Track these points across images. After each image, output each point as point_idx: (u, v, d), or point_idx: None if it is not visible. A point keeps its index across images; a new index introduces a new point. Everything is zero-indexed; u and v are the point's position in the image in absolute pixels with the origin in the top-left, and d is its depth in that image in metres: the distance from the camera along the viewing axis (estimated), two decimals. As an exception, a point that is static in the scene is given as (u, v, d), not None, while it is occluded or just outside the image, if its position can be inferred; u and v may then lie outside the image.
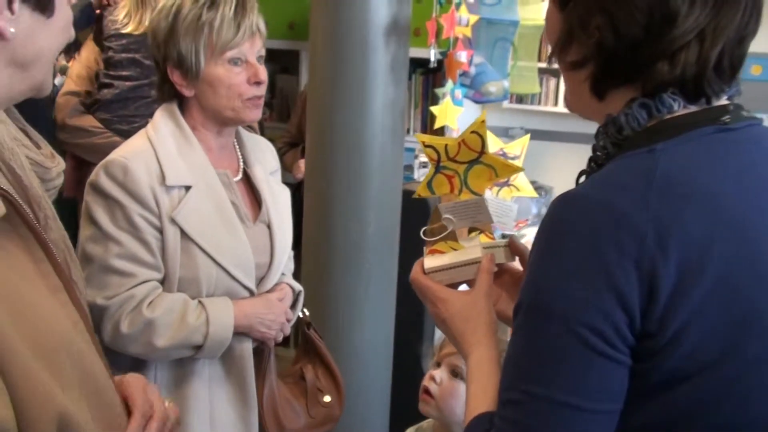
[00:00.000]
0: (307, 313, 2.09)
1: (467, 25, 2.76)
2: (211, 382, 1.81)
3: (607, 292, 0.86)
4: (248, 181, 1.91)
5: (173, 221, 1.71)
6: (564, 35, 0.99)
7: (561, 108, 5.03)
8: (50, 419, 0.91)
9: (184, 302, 1.72)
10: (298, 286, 2.01)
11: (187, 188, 1.73)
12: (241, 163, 1.90)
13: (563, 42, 0.99)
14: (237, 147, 1.92)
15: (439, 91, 2.86)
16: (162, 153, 1.72)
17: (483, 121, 1.17)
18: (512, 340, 0.95)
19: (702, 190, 0.89)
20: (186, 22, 1.72)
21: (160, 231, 1.71)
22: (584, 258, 0.87)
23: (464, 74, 2.85)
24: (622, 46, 0.94)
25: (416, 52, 3.07)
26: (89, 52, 2.99)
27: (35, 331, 0.90)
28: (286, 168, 3.51)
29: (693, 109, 0.96)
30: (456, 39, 2.74)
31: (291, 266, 2.04)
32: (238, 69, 1.76)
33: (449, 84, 2.76)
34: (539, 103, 5.21)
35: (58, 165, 1.09)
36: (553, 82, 5.34)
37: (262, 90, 1.80)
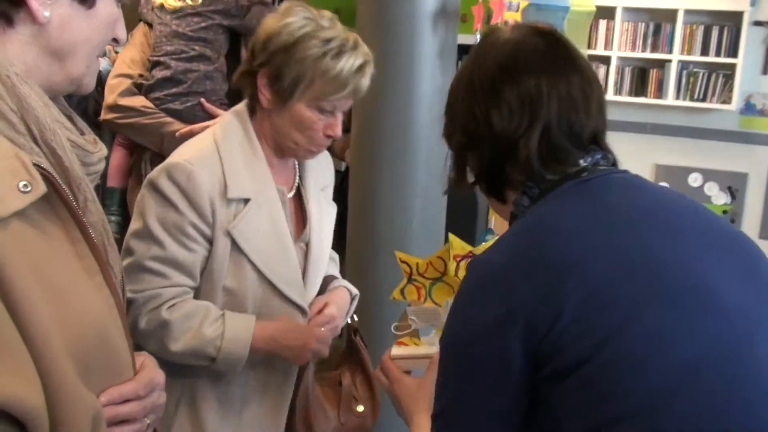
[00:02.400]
0: (356, 319, 2.05)
1: (517, 11, 2.72)
2: (246, 387, 1.79)
3: (498, 327, 1.08)
4: (299, 197, 1.88)
5: (228, 234, 1.68)
6: (473, 177, 1.30)
7: (610, 96, 4.95)
8: (87, 417, 0.90)
9: (205, 311, 1.69)
10: (354, 290, 1.99)
11: (246, 201, 1.70)
12: (297, 179, 1.87)
13: (476, 180, 1.30)
14: (296, 162, 1.88)
15: (486, 77, 2.81)
16: (227, 163, 1.69)
17: (447, 250, 1.52)
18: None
19: (560, 225, 1.14)
20: (306, 53, 1.65)
21: (210, 241, 1.69)
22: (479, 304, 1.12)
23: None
24: (486, 170, 1.27)
25: (462, 39, 3.00)
26: (141, 35, 2.99)
27: (69, 314, 0.90)
28: (336, 154, 3.49)
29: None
30: (505, 24, 2.70)
31: (335, 270, 2.03)
32: (323, 117, 1.72)
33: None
34: (588, 92, 5.13)
35: (100, 151, 1.08)
36: (602, 69, 5.26)
37: (329, 142, 1.78)
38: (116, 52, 3.06)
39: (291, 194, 1.83)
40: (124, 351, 1.01)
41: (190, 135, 2.58)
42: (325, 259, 1.93)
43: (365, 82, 1.72)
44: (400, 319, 1.57)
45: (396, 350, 1.52)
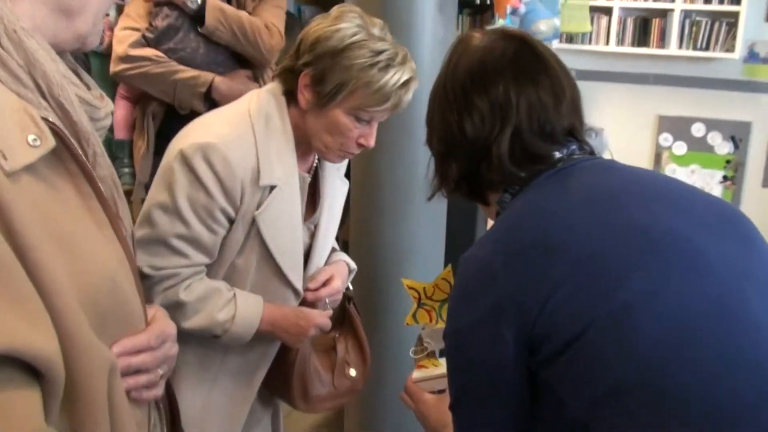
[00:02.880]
0: (351, 288, 2.10)
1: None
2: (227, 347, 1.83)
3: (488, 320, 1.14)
4: (314, 179, 1.88)
5: (252, 218, 1.69)
6: (453, 182, 1.35)
7: (612, 47, 4.91)
8: (103, 369, 0.92)
9: (218, 293, 1.72)
10: (353, 265, 2.03)
11: (272, 187, 1.70)
12: (315, 160, 1.87)
13: (457, 185, 1.35)
14: None
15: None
16: (262, 149, 1.67)
17: (449, 271, 1.58)
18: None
19: (538, 209, 1.19)
20: (353, 62, 1.63)
21: (232, 222, 1.70)
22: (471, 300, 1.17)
23: (514, 12, 2.78)
24: (464, 175, 1.32)
25: (460, -9, 2.98)
26: None
27: (81, 266, 0.90)
28: None
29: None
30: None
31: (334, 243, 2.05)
32: (359, 125, 1.71)
33: (499, 22, 2.70)
34: (590, 43, 5.08)
35: (107, 106, 1.08)
36: (604, 20, 5.21)
37: (359, 150, 1.77)
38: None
39: (309, 178, 1.84)
40: (135, 303, 1.02)
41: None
42: (331, 239, 1.96)
43: (408, 97, 1.71)
44: (417, 344, 1.65)
45: (417, 374, 1.60)
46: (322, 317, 1.88)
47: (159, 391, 1.10)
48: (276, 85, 1.75)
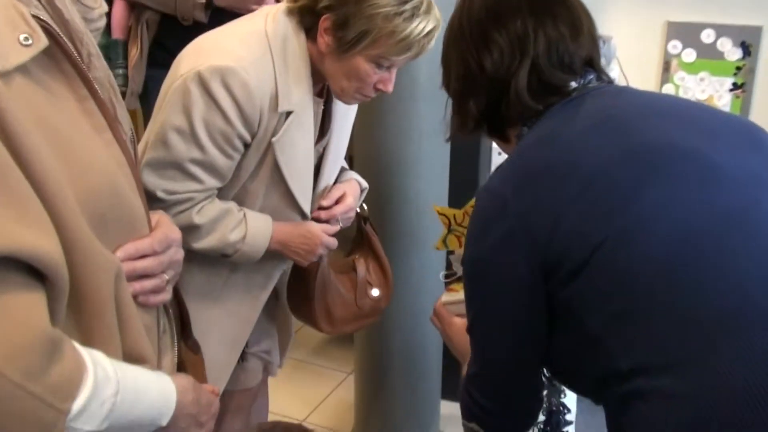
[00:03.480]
0: (365, 208, 2.09)
1: None
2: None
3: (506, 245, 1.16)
4: (326, 102, 1.85)
5: (269, 143, 1.67)
6: (473, 121, 1.34)
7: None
8: (109, 274, 0.92)
9: (229, 214, 1.72)
10: (364, 183, 2.02)
11: (289, 113, 1.68)
12: (327, 83, 1.83)
13: (477, 124, 1.35)
14: None
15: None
16: (280, 74, 1.64)
17: None
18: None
19: (548, 136, 1.20)
20: (378, 10, 1.58)
21: (247, 146, 1.68)
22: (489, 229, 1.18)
23: None
24: (485, 113, 1.32)
25: None
26: None
27: (79, 170, 0.89)
28: None
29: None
30: None
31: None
32: (378, 71, 1.68)
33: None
34: (599, -49, 4.95)
35: (100, 7, 1.05)
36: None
37: (376, 94, 1.74)
38: None
39: (322, 100, 1.82)
40: (138, 207, 1.02)
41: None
42: (340, 161, 1.96)
43: (431, 45, 1.66)
44: (447, 268, 1.70)
45: (446, 297, 1.63)
46: (328, 234, 1.88)
47: (166, 296, 1.10)
48: (291, 5, 1.69)
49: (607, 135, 1.17)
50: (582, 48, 1.28)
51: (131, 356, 0.98)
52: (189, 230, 1.68)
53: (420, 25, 1.61)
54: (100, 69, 0.98)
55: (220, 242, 1.72)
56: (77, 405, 0.83)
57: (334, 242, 1.91)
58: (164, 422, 0.99)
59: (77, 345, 0.86)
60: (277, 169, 1.72)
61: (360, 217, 2.08)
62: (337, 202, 1.90)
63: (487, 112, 1.32)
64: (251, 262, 1.80)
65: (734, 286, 1.03)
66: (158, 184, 1.64)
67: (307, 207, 1.83)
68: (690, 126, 1.18)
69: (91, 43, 0.97)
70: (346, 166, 2.05)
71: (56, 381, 0.81)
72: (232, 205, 1.74)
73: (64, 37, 0.90)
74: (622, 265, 1.08)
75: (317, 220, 1.87)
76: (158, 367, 1.11)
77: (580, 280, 1.11)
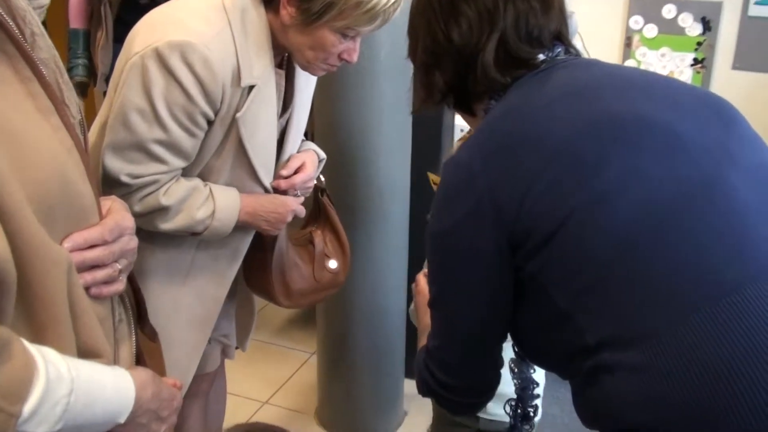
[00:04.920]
0: (323, 179, 2.06)
1: None
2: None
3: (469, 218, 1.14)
4: (288, 74, 1.80)
5: (232, 119, 1.63)
6: (439, 94, 1.31)
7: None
8: (60, 268, 0.87)
9: (196, 191, 1.68)
10: (322, 154, 1.99)
11: (251, 87, 1.63)
12: (287, 54, 1.78)
13: (443, 97, 1.32)
14: None
15: None
16: (241, 49, 1.59)
17: None
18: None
19: (515, 108, 1.19)
20: None
21: (211, 123, 1.63)
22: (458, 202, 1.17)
23: None
24: (451, 85, 1.29)
25: None
26: None
27: (25, 158, 0.84)
28: None
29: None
30: None
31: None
32: (344, 41, 1.63)
33: None
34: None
35: None
36: None
37: (341, 63, 1.70)
38: None
39: (283, 71, 1.77)
40: (87, 195, 0.96)
41: None
42: (301, 131, 1.91)
43: (396, 14, 1.62)
44: None
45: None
46: (296, 202, 1.87)
47: (120, 286, 1.05)
48: None
49: (574, 106, 1.16)
50: (551, 21, 1.26)
51: (86, 351, 0.94)
52: (157, 212, 1.64)
53: None
54: (44, 49, 0.92)
55: (188, 221, 1.68)
56: (28, 407, 0.79)
57: (302, 209, 1.90)
58: (122, 420, 0.95)
59: (27, 344, 0.82)
60: (241, 144, 1.68)
61: (317, 189, 2.05)
62: (296, 171, 1.87)
63: (453, 84, 1.29)
64: (221, 237, 1.77)
65: (697, 259, 1.04)
66: (122, 168, 1.58)
67: (268, 182, 1.80)
68: (657, 98, 1.17)
69: (35, 21, 0.91)
70: (304, 137, 2.01)
71: (4, 383, 0.77)
72: (197, 181, 1.70)
73: (5, 15, 0.85)
74: (587, 239, 1.07)
75: (276, 189, 1.84)
76: (115, 359, 1.07)
77: (546, 254, 1.10)
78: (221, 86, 1.57)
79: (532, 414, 1.60)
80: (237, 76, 1.59)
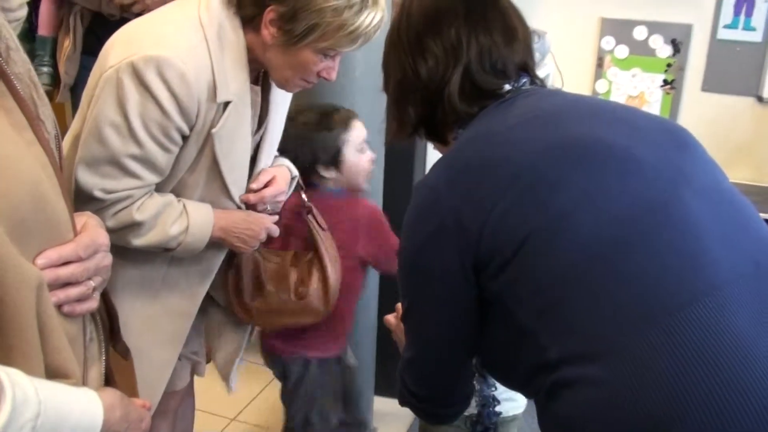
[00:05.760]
0: (305, 199, 2.04)
1: None
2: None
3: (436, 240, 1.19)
4: (263, 90, 1.79)
5: (208, 135, 1.61)
6: (411, 126, 1.37)
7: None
8: (29, 287, 0.85)
9: (170, 207, 1.66)
10: (294, 171, 1.97)
11: (227, 103, 1.61)
12: (262, 71, 1.77)
13: (415, 129, 1.37)
14: None
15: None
16: (218, 64, 1.57)
17: None
18: None
19: (480, 133, 1.25)
20: (327, 4, 1.54)
21: (186, 138, 1.61)
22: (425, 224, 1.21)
23: None
24: (425, 119, 1.34)
25: None
26: None
27: None
28: None
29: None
30: None
31: None
32: (324, 60, 1.64)
33: None
34: (534, -56, 4.96)
35: None
36: None
37: (317, 81, 1.70)
38: None
39: (258, 87, 1.76)
40: (62, 211, 0.95)
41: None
42: (274, 147, 1.91)
43: (377, 35, 1.63)
44: None
45: None
46: (270, 220, 1.85)
47: (93, 303, 1.04)
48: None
49: (535, 132, 1.20)
50: (515, 54, 1.32)
51: (54, 372, 0.92)
52: (130, 228, 1.62)
53: (368, 17, 1.59)
54: (19, 63, 0.90)
55: (162, 237, 1.66)
56: None
57: (275, 228, 1.88)
58: None
59: None
60: (215, 160, 1.66)
61: (304, 208, 2.04)
62: (266, 186, 1.85)
63: (423, 116, 1.35)
64: (194, 253, 1.75)
65: (654, 275, 1.07)
66: (95, 182, 1.56)
67: (239, 200, 1.79)
68: (616, 123, 1.22)
69: (10, 36, 0.89)
70: (277, 153, 2.00)
71: None
72: (170, 197, 1.68)
73: (-21, 29, 0.83)
74: (548, 257, 1.11)
75: (246, 203, 1.82)
76: (84, 379, 1.05)
77: (508, 274, 1.14)
78: (196, 101, 1.55)
79: (493, 430, 1.63)
80: (213, 92, 1.57)
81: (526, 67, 1.35)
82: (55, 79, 2.92)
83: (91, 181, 1.55)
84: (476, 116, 1.29)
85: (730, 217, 1.15)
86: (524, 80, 1.33)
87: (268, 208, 1.87)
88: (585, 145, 1.17)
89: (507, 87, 1.31)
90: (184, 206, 1.68)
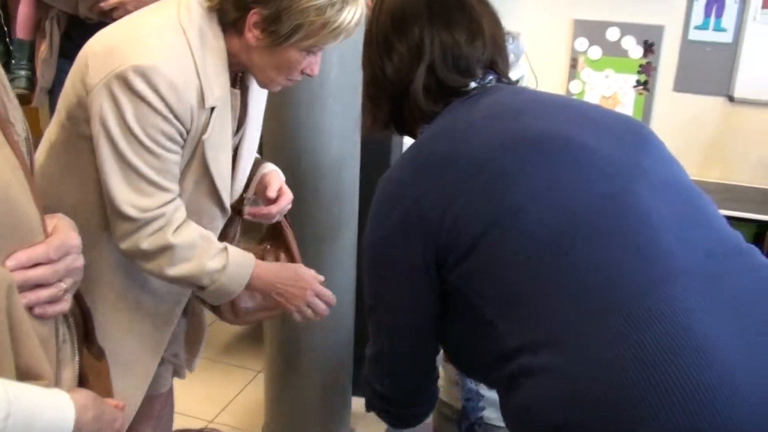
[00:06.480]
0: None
1: None
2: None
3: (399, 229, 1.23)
4: (242, 93, 1.78)
5: (199, 142, 1.61)
6: (382, 121, 1.44)
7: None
8: (1, 286, 0.86)
9: (208, 242, 1.65)
10: (281, 174, 1.97)
11: (212, 108, 1.61)
12: (240, 73, 1.76)
13: (386, 124, 1.44)
14: None
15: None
16: (202, 71, 1.57)
17: None
18: None
19: (442, 128, 1.29)
20: (309, 3, 1.54)
21: (182, 147, 1.61)
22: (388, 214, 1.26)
23: None
24: (394, 115, 1.41)
25: None
26: None
27: None
28: None
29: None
30: None
31: None
32: (308, 57, 1.65)
33: None
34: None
35: None
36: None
37: (300, 78, 1.70)
38: None
39: (239, 93, 1.75)
40: (32, 214, 0.95)
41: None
42: (254, 150, 1.89)
43: (357, 29, 1.64)
44: None
45: None
46: (318, 281, 1.85)
47: (65, 305, 1.04)
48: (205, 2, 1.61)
49: (495, 126, 1.24)
50: (478, 51, 1.34)
51: (25, 374, 0.92)
52: (164, 251, 1.60)
53: (349, 14, 1.60)
54: (-12, 66, 0.91)
55: (198, 270, 1.63)
56: None
57: (326, 293, 1.86)
58: None
59: None
60: (205, 166, 1.65)
61: None
62: (276, 198, 1.87)
63: (392, 113, 1.40)
64: (224, 299, 1.73)
65: (610, 263, 1.10)
66: (129, 197, 1.55)
67: (227, 202, 1.77)
68: (576, 119, 1.26)
69: (-21, 38, 0.89)
70: (259, 156, 2.00)
71: None
72: (209, 233, 1.68)
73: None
74: (503, 251, 1.15)
75: (256, 215, 1.84)
76: (57, 381, 1.05)
77: (468, 265, 1.17)
78: (189, 108, 1.55)
79: (477, 427, 1.63)
80: (201, 97, 1.57)
81: (494, 65, 1.37)
82: (32, 83, 2.91)
83: (123, 194, 1.54)
84: (440, 113, 1.33)
85: (686, 211, 1.19)
86: (490, 77, 1.36)
87: (277, 218, 1.88)
88: (541, 140, 1.21)
89: (473, 84, 1.34)
90: (226, 247, 1.68)
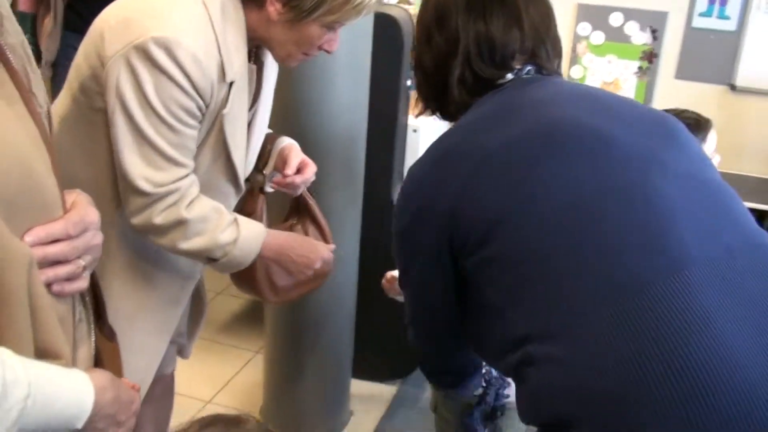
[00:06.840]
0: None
1: None
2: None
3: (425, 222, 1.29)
4: (257, 68, 1.76)
5: (217, 116, 1.58)
6: (428, 109, 1.48)
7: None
8: (21, 265, 0.83)
9: (220, 214, 1.63)
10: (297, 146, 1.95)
11: (231, 83, 1.58)
12: (254, 48, 1.73)
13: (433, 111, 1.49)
14: None
15: None
16: (223, 45, 1.54)
17: None
18: None
19: (466, 121, 1.33)
20: None
21: (201, 122, 1.58)
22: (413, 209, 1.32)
23: None
24: (437, 104, 1.45)
25: None
26: None
27: None
28: None
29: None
30: None
31: None
32: (328, 33, 1.63)
33: None
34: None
35: None
36: None
37: (317, 53, 1.69)
38: None
39: (255, 68, 1.73)
40: (51, 187, 0.92)
41: None
42: (265, 125, 1.87)
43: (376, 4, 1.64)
44: None
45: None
46: (328, 250, 1.87)
47: (83, 283, 1.01)
48: None
49: (515, 117, 1.26)
50: (515, 42, 1.34)
51: (44, 352, 0.90)
52: (177, 226, 1.58)
53: None
54: (12, 34, 0.87)
55: (210, 243, 1.62)
56: None
57: (332, 258, 1.89)
58: (80, 425, 0.91)
59: None
60: (222, 141, 1.63)
61: None
62: (298, 170, 1.86)
63: (437, 103, 1.45)
64: (235, 269, 1.72)
65: (616, 255, 1.10)
66: (143, 170, 1.53)
67: (242, 179, 1.75)
68: (599, 111, 1.26)
69: (3, 3, 0.86)
70: (270, 130, 1.97)
71: None
72: (220, 205, 1.65)
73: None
74: (516, 239, 1.17)
75: (281, 185, 1.84)
76: (73, 359, 1.03)
77: (481, 254, 1.20)
78: (210, 82, 1.52)
79: (500, 414, 1.63)
80: (222, 71, 1.55)
81: (534, 56, 1.37)
82: (36, 56, 2.88)
83: (138, 167, 1.51)
84: (472, 105, 1.35)
85: (706, 204, 1.18)
86: (528, 68, 1.36)
87: (297, 193, 1.87)
88: (561, 128, 1.22)
89: (509, 76, 1.35)
90: (236, 218, 1.66)
